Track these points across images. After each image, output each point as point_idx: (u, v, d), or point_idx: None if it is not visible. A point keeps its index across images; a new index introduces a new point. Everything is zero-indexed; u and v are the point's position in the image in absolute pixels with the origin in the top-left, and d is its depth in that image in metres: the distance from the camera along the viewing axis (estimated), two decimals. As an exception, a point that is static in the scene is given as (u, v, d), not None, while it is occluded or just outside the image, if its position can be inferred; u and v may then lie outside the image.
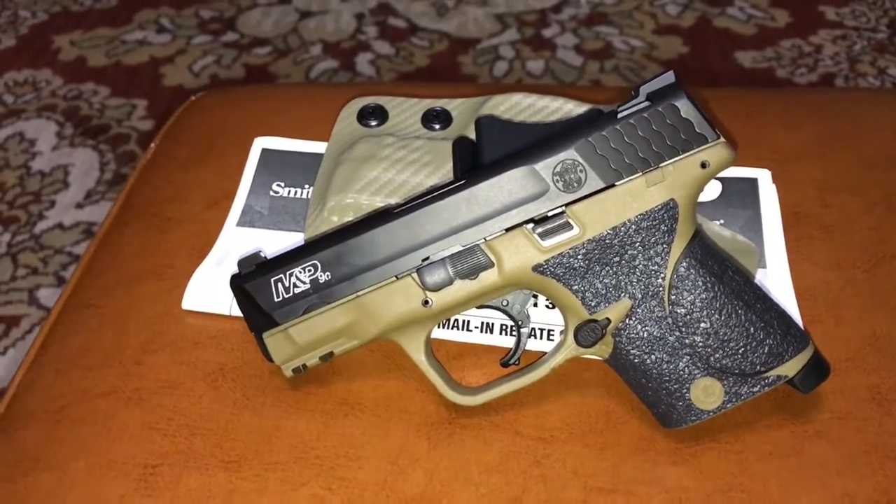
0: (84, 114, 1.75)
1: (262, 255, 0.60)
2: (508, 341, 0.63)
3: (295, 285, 0.58)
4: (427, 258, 0.57)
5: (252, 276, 0.58)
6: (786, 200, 0.70)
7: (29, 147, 1.68)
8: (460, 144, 0.63)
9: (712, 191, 0.69)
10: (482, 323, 0.63)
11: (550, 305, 0.64)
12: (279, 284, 0.58)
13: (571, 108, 0.69)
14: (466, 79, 1.78)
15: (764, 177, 0.71)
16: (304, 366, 0.59)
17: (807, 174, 0.73)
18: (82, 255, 0.73)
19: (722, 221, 0.68)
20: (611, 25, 1.90)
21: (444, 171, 0.66)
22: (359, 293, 0.57)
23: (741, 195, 0.70)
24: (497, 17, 1.96)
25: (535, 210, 0.56)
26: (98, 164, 1.64)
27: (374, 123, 0.72)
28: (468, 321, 0.64)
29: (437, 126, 0.71)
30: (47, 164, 1.64)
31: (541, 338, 0.63)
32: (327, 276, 0.57)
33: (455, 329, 0.64)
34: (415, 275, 0.57)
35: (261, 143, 0.75)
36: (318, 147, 0.75)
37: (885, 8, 1.88)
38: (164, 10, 2.03)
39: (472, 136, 0.63)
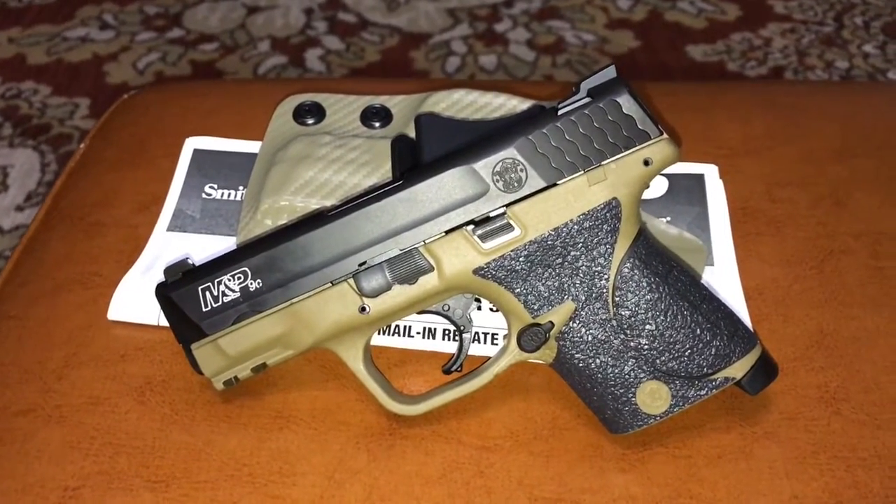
0: (24, 113, 1.69)
1: (190, 262, 0.57)
2: (451, 346, 0.61)
3: (224, 294, 0.55)
4: (364, 263, 0.54)
5: (179, 285, 0.55)
6: (733, 196, 0.69)
7: (-35, 148, 1.62)
8: (399, 143, 0.61)
9: (658, 187, 0.68)
10: (424, 328, 0.61)
11: (494, 308, 0.62)
12: (207, 293, 0.55)
13: (515, 104, 0.67)
14: (418, 74, 1.76)
15: (711, 172, 0.69)
16: (236, 378, 0.56)
17: (754, 169, 0.72)
18: (6, 262, 0.70)
19: (668, 219, 0.66)
20: (563, 20, 1.88)
21: (384, 172, 0.64)
22: (292, 301, 0.55)
23: (688, 191, 0.68)
24: (449, 11, 1.93)
25: (475, 211, 0.54)
26: (39, 166, 1.59)
27: (310, 122, 0.69)
28: (409, 327, 0.61)
29: (377, 124, 0.69)
30: (-15, 166, 1.59)
31: (484, 342, 0.61)
32: (258, 283, 0.55)
33: (396, 335, 0.61)
34: (351, 280, 0.55)
35: (192, 144, 0.72)
36: (252, 147, 0.72)
37: (831, 2, 1.89)
38: (107, 5, 1.97)
39: (413, 134, 0.61)
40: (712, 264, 0.65)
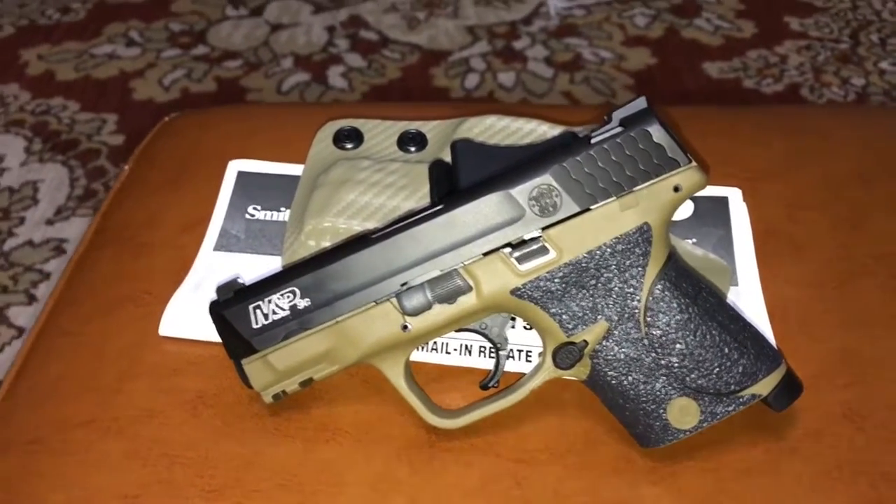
0: (53, 129, 1.73)
1: (241, 281, 0.60)
2: (487, 363, 0.63)
3: (274, 312, 0.58)
4: (406, 283, 0.57)
5: (231, 303, 0.58)
6: (756, 218, 0.71)
7: (-3, 163, 1.66)
8: (436, 168, 0.64)
9: (684, 210, 0.70)
10: (461, 345, 0.64)
11: (528, 327, 0.64)
12: (258, 311, 0.58)
13: (545, 130, 0.70)
14: (438, 91, 1.79)
15: (735, 195, 0.72)
16: (284, 391, 0.59)
17: (776, 192, 0.74)
18: (57, 278, 0.73)
19: (694, 240, 0.69)
20: (580, 37, 1.91)
21: (421, 195, 0.67)
22: (338, 319, 0.57)
23: (713, 214, 0.71)
24: (468, 29, 1.97)
25: (511, 235, 0.57)
26: (68, 180, 1.63)
27: (349, 146, 0.72)
28: (447, 343, 0.64)
29: (413, 148, 0.72)
30: (16, 180, 1.62)
31: (519, 359, 0.63)
32: (306, 302, 0.57)
33: (434, 352, 0.64)
34: (394, 300, 0.57)
35: (236, 166, 0.75)
36: (293, 169, 0.75)
37: (847, 19, 1.91)
38: (133, 23, 2.01)
39: (448, 159, 0.63)
40: (736, 284, 0.67)
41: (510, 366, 0.63)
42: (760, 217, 0.72)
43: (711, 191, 0.72)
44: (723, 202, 0.71)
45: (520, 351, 0.64)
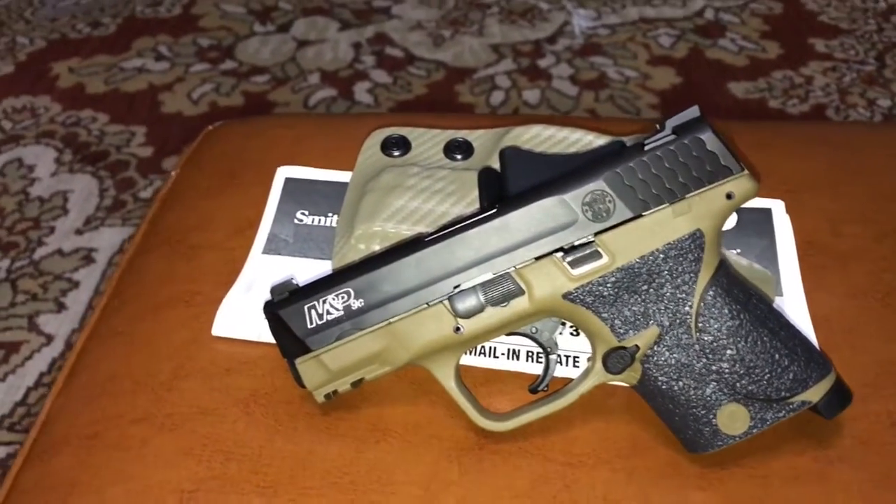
0: (83, 140, 1.76)
1: (295, 282, 0.61)
2: (534, 368, 0.64)
3: (328, 312, 0.58)
4: (458, 286, 0.58)
5: (286, 303, 0.59)
6: (799, 230, 0.72)
7: (28, 173, 1.68)
8: (486, 175, 0.65)
9: (729, 221, 0.71)
10: (508, 349, 0.65)
11: (575, 332, 0.65)
12: (313, 311, 0.59)
13: (591, 139, 0.71)
14: (464, 107, 1.81)
15: (778, 207, 0.73)
16: (336, 391, 0.60)
17: (818, 205, 0.75)
18: (102, 283, 0.74)
19: (739, 251, 0.70)
20: (605, 56, 1.93)
21: (469, 201, 0.68)
22: (391, 320, 0.58)
23: (756, 225, 0.71)
24: (493, 47, 1.99)
25: (564, 239, 0.57)
26: (97, 191, 1.65)
27: (397, 153, 0.74)
28: (495, 348, 0.65)
29: (459, 156, 0.73)
30: (46, 191, 1.65)
31: (566, 364, 0.64)
32: (360, 302, 0.58)
33: (482, 356, 0.65)
34: (446, 302, 0.58)
35: (284, 173, 0.77)
36: (340, 176, 0.76)
37: (872, 41, 1.92)
38: (162, 37, 2.05)
39: (496, 166, 0.64)
40: (781, 295, 0.68)
41: (557, 371, 0.63)
42: (803, 229, 0.72)
43: (754, 202, 0.72)
44: (766, 214, 0.72)
45: (567, 356, 0.64)
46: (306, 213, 0.74)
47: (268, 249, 0.72)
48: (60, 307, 1.43)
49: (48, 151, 1.73)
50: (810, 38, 1.94)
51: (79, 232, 1.57)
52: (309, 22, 2.09)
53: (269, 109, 1.83)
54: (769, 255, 0.70)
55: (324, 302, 0.58)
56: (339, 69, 1.93)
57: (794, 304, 0.67)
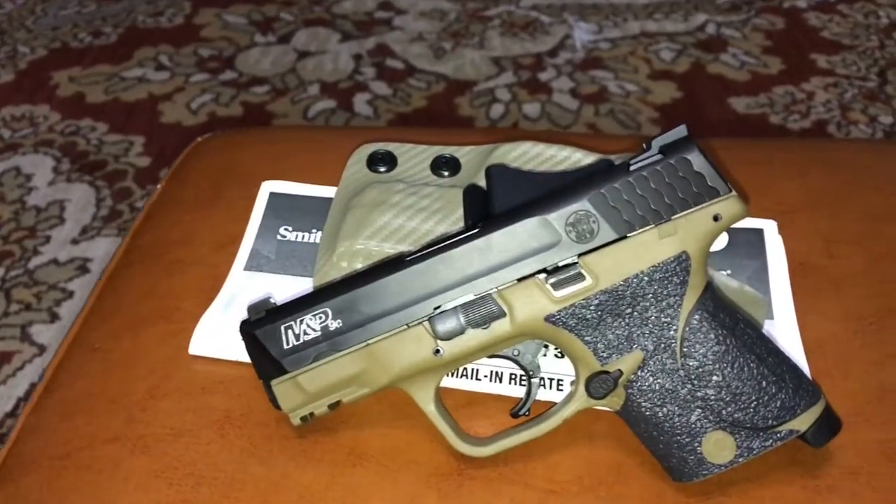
0: (81, 149, 1.75)
1: (272, 300, 0.59)
2: (517, 391, 0.63)
3: (305, 332, 0.57)
4: (439, 307, 0.57)
5: (262, 323, 0.58)
6: (792, 251, 0.70)
7: (25, 182, 1.68)
8: (471, 192, 0.63)
9: (719, 241, 0.70)
10: (491, 372, 0.63)
11: (559, 355, 0.64)
12: (289, 331, 0.57)
13: (580, 157, 0.69)
14: (463, 120, 1.80)
15: (770, 227, 0.71)
16: (312, 414, 0.58)
17: (812, 225, 0.73)
18: (87, 296, 0.73)
19: (729, 272, 0.68)
20: (606, 70, 1.92)
21: (454, 219, 0.66)
22: (369, 341, 0.57)
23: (748, 246, 0.70)
24: (493, 60, 1.98)
25: (547, 260, 0.56)
26: (94, 200, 1.64)
27: (383, 169, 0.72)
28: (477, 370, 0.63)
29: (446, 173, 0.72)
30: (43, 200, 1.64)
31: (550, 387, 0.63)
32: (338, 323, 0.57)
33: (463, 378, 0.63)
34: (426, 323, 0.57)
35: (268, 187, 0.75)
36: (325, 191, 0.75)
37: (874, 57, 1.91)
38: (163, 47, 2.04)
39: (482, 183, 0.63)
40: (772, 318, 0.66)
41: (541, 394, 0.62)
42: (796, 250, 0.71)
43: (746, 222, 0.71)
44: (758, 234, 0.71)
45: (551, 379, 0.63)
46: (290, 228, 0.73)
47: (249, 266, 0.70)
48: (54, 317, 1.42)
49: (46, 160, 1.73)
50: (812, 54, 1.93)
51: (74, 242, 1.56)
52: (310, 33, 2.09)
53: (268, 120, 1.83)
54: (760, 276, 0.68)
55: (301, 322, 0.57)
56: (339, 80, 1.93)
57: (785, 328, 0.66)
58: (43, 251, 1.54)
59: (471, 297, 0.57)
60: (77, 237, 1.57)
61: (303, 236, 0.72)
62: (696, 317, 0.56)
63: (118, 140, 1.78)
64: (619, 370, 0.56)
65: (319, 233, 0.71)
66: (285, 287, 0.68)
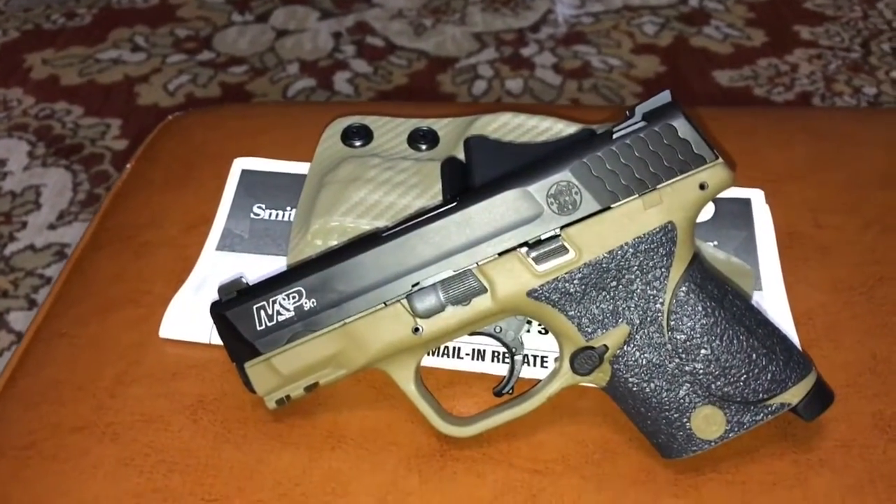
0: (56, 133, 1.72)
1: (244, 281, 0.57)
2: (500, 368, 0.61)
3: (279, 313, 0.55)
4: (417, 283, 0.55)
5: (233, 304, 0.56)
6: (779, 221, 0.69)
7: (-1, 167, 1.64)
8: (450, 165, 0.61)
9: (706, 212, 0.68)
10: (473, 350, 0.61)
11: (543, 331, 0.62)
12: (262, 312, 0.55)
13: (561, 127, 0.67)
14: (445, 97, 1.77)
15: (757, 197, 0.69)
16: (288, 397, 0.57)
17: (800, 194, 0.72)
18: (54, 280, 0.70)
19: (716, 243, 0.66)
20: (589, 45, 1.89)
21: (433, 193, 0.64)
22: (346, 321, 0.55)
23: (735, 216, 0.68)
24: (475, 36, 1.95)
25: (529, 233, 0.54)
26: (71, 185, 1.61)
27: (358, 143, 0.70)
28: (459, 348, 0.61)
29: (424, 146, 0.69)
30: (18, 185, 1.61)
31: (534, 364, 0.61)
32: (312, 303, 0.55)
33: (445, 356, 0.61)
34: (404, 301, 0.55)
35: (240, 165, 0.73)
36: (299, 168, 0.72)
37: (857, 28, 1.89)
38: (138, 28, 2.00)
39: (461, 156, 0.61)
40: (760, 289, 0.65)
41: (525, 372, 0.60)
42: (784, 220, 0.69)
43: (733, 192, 0.69)
44: (745, 204, 0.69)
45: (535, 356, 0.61)
46: (263, 206, 0.70)
47: (222, 246, 0.68)
48: (31, 304, 1.39)
49: (21, 145, 1.69)
50: (795, 26, 1.91)
51: (52, 227, 1.53)
52: (288, 11, 2.05)
53: (247, 100, 1.79)
54: (748, 247, 0.67)
55: (273, 302, 0.55)
56: (318, 59, 1.90)
57: (774, 299, 0.64)
58: (19, 237, 1.51)
59: (450, 272, 0.55)
60: (54, 222, 1.54)
61: (277, 214, 0.70)
62: (683, 289, 0.54)
63: (94, 123, 1.74)
64: (605, 345, 0.54)
65: (294, 210, 0.69)
66: (259, 267, 0.66)
